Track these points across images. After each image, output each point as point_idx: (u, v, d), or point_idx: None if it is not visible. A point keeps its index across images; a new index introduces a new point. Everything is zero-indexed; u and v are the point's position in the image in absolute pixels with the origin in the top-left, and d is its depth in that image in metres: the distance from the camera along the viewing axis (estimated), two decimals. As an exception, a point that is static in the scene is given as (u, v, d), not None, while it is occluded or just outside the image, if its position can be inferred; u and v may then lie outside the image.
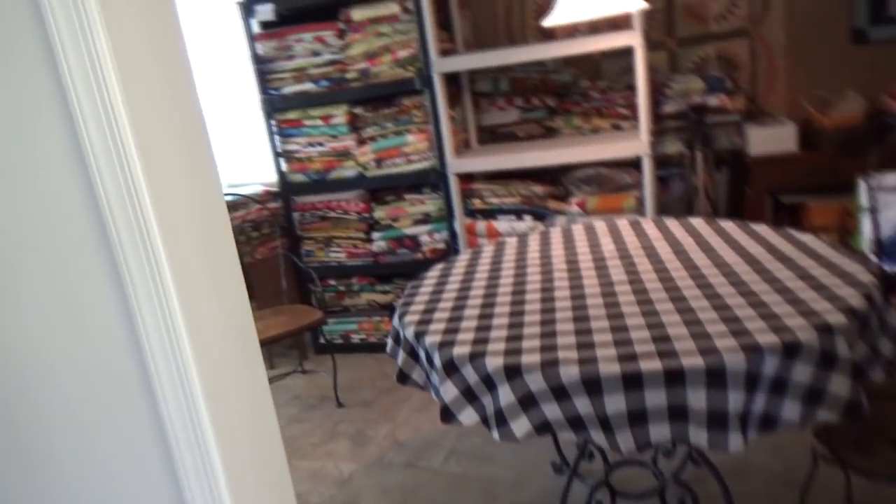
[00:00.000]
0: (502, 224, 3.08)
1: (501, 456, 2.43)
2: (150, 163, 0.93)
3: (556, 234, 2.20)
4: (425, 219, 3.25)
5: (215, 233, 1.04)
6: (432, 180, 3.15)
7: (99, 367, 1.05)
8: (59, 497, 1.17)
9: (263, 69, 3.25)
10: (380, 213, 3.31)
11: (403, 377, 1.68)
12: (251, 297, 3.42)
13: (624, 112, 3.09)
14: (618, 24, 2.96)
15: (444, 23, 3.18)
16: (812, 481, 1.65)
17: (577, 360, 1.31)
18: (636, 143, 2.78)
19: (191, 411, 0.98)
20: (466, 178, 3.20)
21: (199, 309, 1.00)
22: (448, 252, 3.22)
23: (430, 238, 3.25)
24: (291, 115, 3.27)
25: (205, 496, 1.01)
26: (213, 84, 3.88)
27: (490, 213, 3.12)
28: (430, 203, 3.22)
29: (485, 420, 1.40)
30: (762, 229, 1.93)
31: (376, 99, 3.16)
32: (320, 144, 3.28)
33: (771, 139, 2.82)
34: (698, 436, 1.25)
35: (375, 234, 3.33)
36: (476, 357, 1.39)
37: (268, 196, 3.56)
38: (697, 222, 2.09)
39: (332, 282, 3.50)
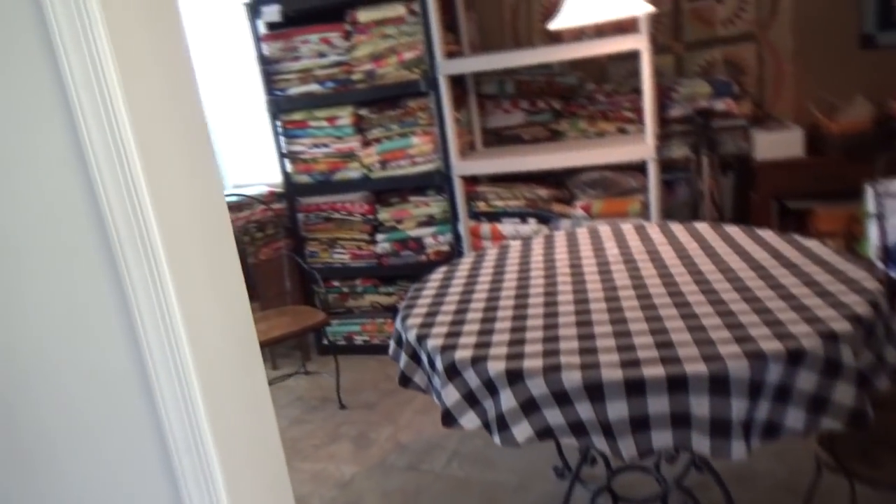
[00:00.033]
0: (506, 227, 3.07)
1: (504, 460, 2.43)
2: (150, 163, 0.93)
3: (560, 238, 2.19)
4: (429, 221, 3.24)
5: (216, 234, 1.04)
6: (437, 182, 3.14)
7: (98, 367, 1.05)
8: (58, 497, 1.17)
9: (269, 70, 3.25)
10: (384, 214, 3.30)
11: (405, 380, 1.67)
12: (255, 297, 3.43)
13: (630, 116, 3.08)
14: (624, 27, 2.96)
15: (450, 25, 3.18)
16: (816, 490, 1.64)
17: (579, 365, 1.30)
18: (642, 147, 2.77)
19: (189, 414, 0.98)
20: (471, 181, 3.19)
21: (199, 311, 1.00)
22: (452, 254, 3.21)
23: (435, 240, 3.24)
24: (297, 116, 3.27)
25: (202, 499, 1.01)
26: (220, 85, 3.89)
27: (494, 216, 3.11)
28: (434, 205, 3.22)
29: (486, 424, 1.39)
30: (767, 235, 1.92)
31: (382, 100, 3.16)
32: (325, 146, 3.28)
33: (777, 144, 2.81)
34: (701, 443, 1.24)
35: (379, 236, 3.33)
36: (478, 361, 1.38)
37: (272, 197, 3.56)
38: (702, 227, 2.08)
39: (336, 283, 3.50)
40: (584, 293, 1.67)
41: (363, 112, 3.19)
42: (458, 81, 3.20)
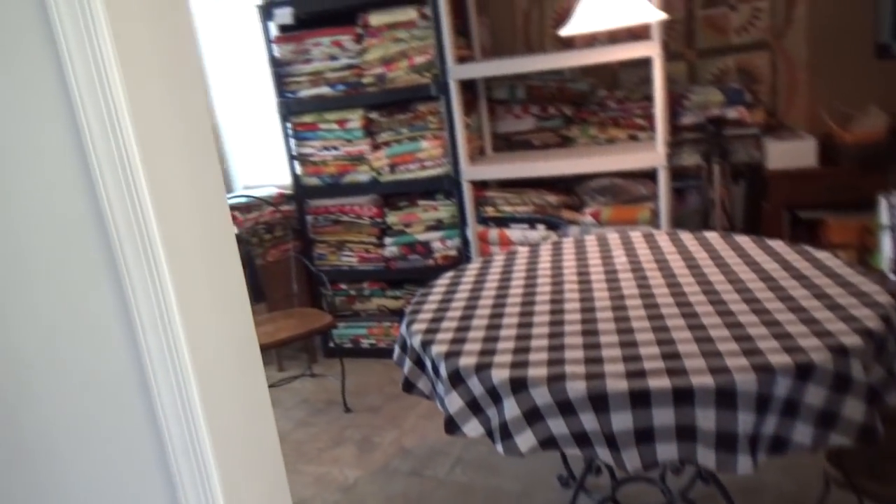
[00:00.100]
0: (515, 232, 3.06)
1: (508, 467, 2.41)
2: (152, 166, 0.93)
3: (568, 245, 2.18)
4: (438, 225, 3.24)
5: (217, 237, 1.03)
6: (446, 187, 3.14)
7: (97, 369, 1.05)
8: (56, 498, 1.17)
9: (280, 72, 3.26)
10: (392, 218, 3.30)
11: (409, 386, 1.66)
12: (262, 299, 3.44)
13: (641, 123, 3.06)
14: (637, 33, 2.94)
15: (461, 29, 3.17)
16: (824, 505, 1.62)
17: (584, 374, 1.29)
18: (652, 155, 2.76)
19: (187, 416, 0.97)
20: (480, 186, 3.18)
21: (198, 314, 1.00)
22: (460, 259, 3.21)
23: (442, 245, 3.24)
24: (307, 119, 3.28)
25: (199, 502, 1.00)
26: (231, 86, 3.91)
27: (503, 222, 3.10)
28: (442, 209, 3.21)
29: (489, 433, 1.38)
30: (778, 245, 1.90)
31: (392, 104, 3.16)
32: (335, 148, 3.28)
33: (790, 153, 2.78)
34: (706, 456, 1.22)
35: (387, 240, 3.32)
36: (482, 368, 1.37)
37: (281, 198, 3.57)
38: (712, 236, 2.06)
39: (343, 286, 3.50)
40: (591, 301, 1.66)
41: (373, 115, 3.19)
42: (468, 86, 3.20)
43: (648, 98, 2.96)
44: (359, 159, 3.26)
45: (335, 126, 3.24)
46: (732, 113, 2.93)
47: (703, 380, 1.21)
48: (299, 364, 3.56)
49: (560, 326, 1.53)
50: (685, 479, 2.14)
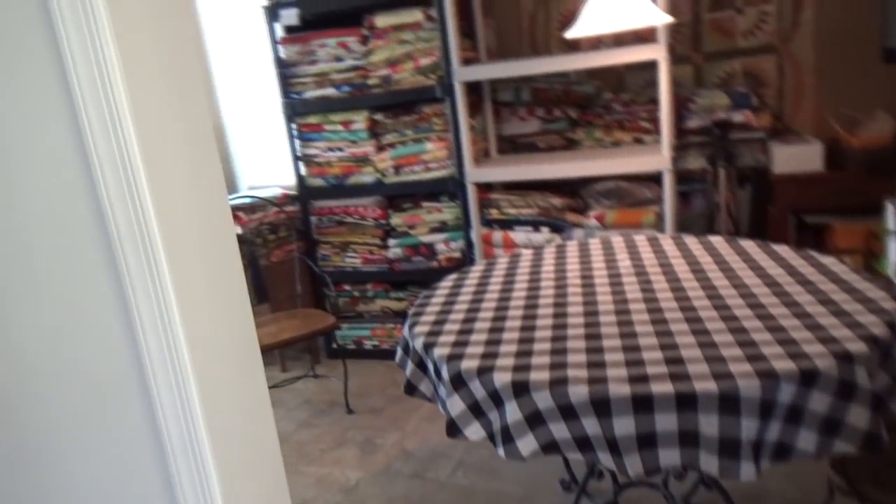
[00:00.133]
0: (519, 235, 3.05)
1: (509, 470, 2.40)
2: (153, 167, 0.93)
3: (572, 248, 2.17)
4: (442, 227, 3.23)
5: (218, 239, 1.03)
6: (450, 189, 3.13)
7: (97, 369, 1.05)
8: (54, 498, 1.17)
9: (286, 73, 3.26)
10: (396, 219, 3.30)
11: (411, 388, 1.66)
12: (266, 299, 3.43)
13: (646, 126, 3.05)
14: (643, 36, 2.93)
15: (467, 31, 3.17)
16: (827, 512, 1.61)
17: (586, 379, 1.28)
18: (658, 158, 2.75)
19: (187, 417, 0.97)
20: (484, 188, 3.18)
21: (199, 315, 0.99)
22: (464, 261, 3.20)
23: (446, 247, 3.23)
24: (312, 120, 3.28)
25: (198, 502, 1.00)
26: (237, 87, 3.91)
27: (507, 224, 3.10)
28: (447, 211, 3.21)
29: (491, 436, 1.38)
30: (783, 250, 1.89)
31: (397, 106, 3.15)
32: (340, 149, 3.28)
33: (796, 157, 2.77)
34: (709, 463, 1.21)
35: (391, 241, 3.32)
36: (484, 372, 1.37)
37: (286, 199, 3.57)
38: (717, 241, 2.05)
39: (347, 287, 3.50)
40: (595, 305, 1.65)
41: (378, 117, 3.19)
42: (473, 88, 3.20)
43: (654, 101, 2.94)
44: (363, 160, 3.26)
45: (340, 127, 3.24)
46: (738, 117, 2.92)
47: (706, 385, 1.20)
48: (302, 365, 3.56)
49: (563, 330, 1.53)
50: (688, 485, 2.13)
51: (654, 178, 2.90)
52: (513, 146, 3.34)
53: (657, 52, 2.64)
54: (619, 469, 1.24)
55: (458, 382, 1.40)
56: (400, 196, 3.31)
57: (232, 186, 4.02)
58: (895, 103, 2.79)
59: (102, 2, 0.83)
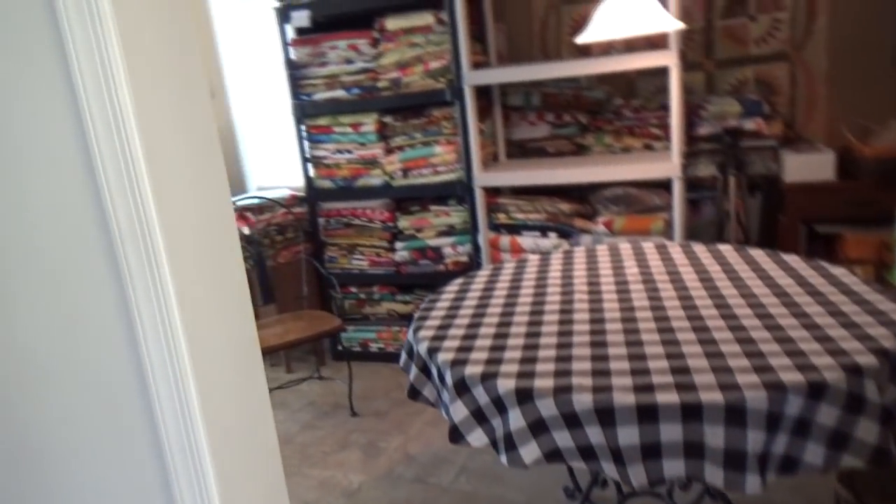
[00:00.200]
0: (526, 240, 3.04)
1: (513, 477, 2.39)
2: (155, 169, 0.93)
3: (579, 255, 2.16)
4: (449, 231, 3.23)
5: (220, 241, 1.03)
6: (458, 192, 3.13)
7: (97, 369, 1.05)
8: (53, 498, 1.17)
9: (296, 75, 3.27)
10: (404, 222, 3.29)
11: (415, 393, 1.65)
12: (272, 300, 3.43)
13: (657, 132, 3.04)
14: (654, 42, 2.92)
15: (477, 35, 3.17)
16: (834, 527, 1.58)
17: (591, 387, 1.27)
18: (667, 165, 2.73)
19: (186, 420, 0.97)
20: (493, 192, 3.17)
21: (199, 317, 0.99)
22: (470, 265, 3.19)
23: (453, 250, 3.22)
24: (321, 122, 3.28)
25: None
26: (249, 88, 3.92)
27: (514, 229, 3.08)
28: (454, 215, 3.20)
29: (494, 443, 1.37)
30: (793, 260, 1.87)
31: (406, 109, 3.15)
32: (348, 151, 3.28)
33: (808, 166, 2.75)
34: (714, 474, 1.20)
35: (398, 244, 3.32)
36: (488, 378, 1.36)
37: (294, 200, 3.58)
38: (726, 249, 2.03)
39: (354, 289, 3.50)
40: (601, 313, 1.64)
41: (387, 119, 3.18)
42: (483, 92, 3.19)
43: (665, 107, 2.93)
44: (372, 163, 3.26)
45: (349, 129, 3.24)
46: (750, 124, 2.90)
47: (712, 396, 1.19)
48: (307, 366, 3.55)
49: (568, 337, 1.52)
50: (693, 495, 2.11)
51: (664, 185, 2.89)
52: (522, 151, 3.33)
53: (668, 59, 2.63)
54: (622, 479, 1.23)
55: (462, 388, 1.39)
56: (408, 199, 3.30)
57: (241, 187, 4.03)
58: (909, 113, 2.76)
59: (108, 2, 0.83)
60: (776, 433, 1.19)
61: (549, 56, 3.32)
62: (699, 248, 2.07)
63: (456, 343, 1.54)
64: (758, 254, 1.96)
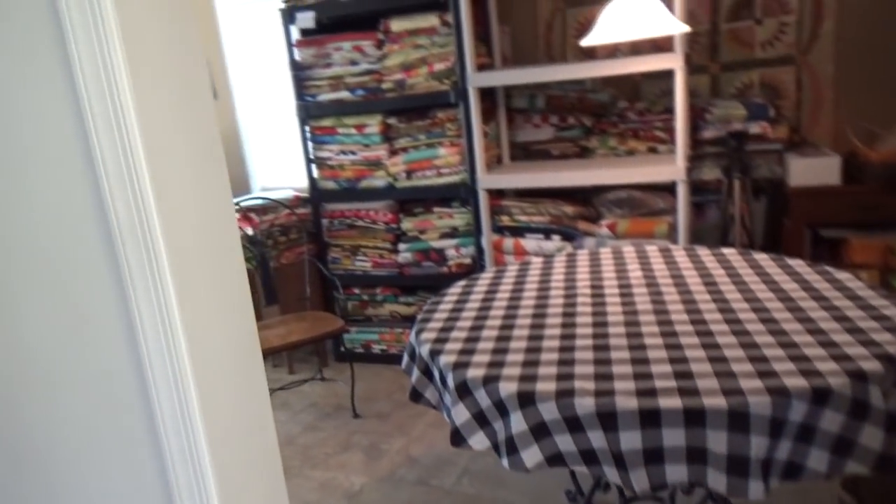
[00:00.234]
0: (530, 242, 3.03)
1: (515, 480, 2.38)
2: (157, 170, 0.92)
3: (582, 258, 2.15)
4: (452, 233, 3.22)
5: (221, 242, 1.03)
6: (462, 194, 3.12)
7: (97, 370, 1.05)
8: (52, 498, 1.17)
9: (301, 76, 3.27)
10: (407, 224, 3.29)
11: (416, 395, 1.65)
12: (275, 301, 3.43)
13: (661, 135, 3.03)
14: (659, 45, 2.91)
15: (482, 37, 3.16)
16: (838, 533, 1.57)
17: (593, 391, 1.27)
18: (672, 168, 2.72)
19: (186, 422, 0.97)
20: (496, 194, 3.16)
21: (200, 319, 0.99)
22: (474, 267, 3.19)
23: (457, 252, 3.22)
24: (326, 123, 3.28)
25: (196, 508, 1.00)
26: (254, 89, 3.93)
27: (518, 231, 3.08)
28: (458, 217, 3.20)
29: (495, 446, 1.36)
30: (798, 265, 1.86)
31: (410, 110, 3.15)
32: (352, 153, 3.28)
33: (813, 170, 2.73)
34: (717, 480, 1.19)
35: (402, 246, 3.31)
36: (490, 381, 1.35)
37: (298, 201, 3.58)
38: (730, 253, 2.02)
39: (357, 290, 3.49)
40: (604, 316, 1.63)
41: (391, 121, 3.18)
42: (487, 94, 3.19)
43: (669, 110, 2.92)
44: (376, 164, 3.25)
45: (353, 131, 3.24)
46: (755, 128, 2.89)
47: (715, 401, 1.18)
48: (310, 367, 3.55)
49: (571, 340, 1.51)
50: (696, 500, 2.10)
51: (668, 188, 2.88)
52: (526, 153, 3.33)
53: (674, 62, 2.62)
54: (624, 484, 1.22)
55: (464, 391, 1.39)
56: (411, 200, 3.30)
57: (245, 187, 4.04)
58: (915, 117, 2.75)
59: (110, 2, 0.83)
60: (780, 439, 1.18)
61: (554, 58, 3.31)
62: (703, 252, 2.06)
63: (458, 346, 1.54)
64: (762, 258, 1.95)
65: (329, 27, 3.18)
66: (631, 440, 1.21)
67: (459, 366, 1.43)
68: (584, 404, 1.23)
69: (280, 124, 3.88)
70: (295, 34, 3.27)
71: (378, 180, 3.27)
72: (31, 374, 1.10)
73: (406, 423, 2.88)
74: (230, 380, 1.04)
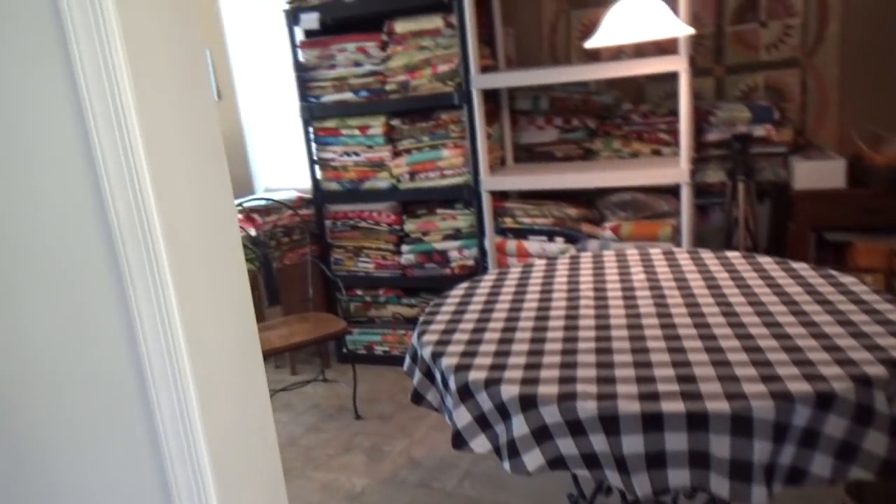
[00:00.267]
0: (533, 244, 3.03)
1: (517, 483, 2.37)
2: (157, 170, 0.92)
3: (585, 260, 2.14)
4: (455, 234, 3.22)
5: (222, 244, 1.02)
6: (465, 196, 3.12)
7: (97, 370, 1.04)
8: (51, 498, 1.16)
9: (305, 77, 3.27)
10: (410, 225, 3.29)
11: (418, 397, 1.64)
12: (278, 302, 3.43)
13: (665, 138, 3.02)
14: (664, 47, 2.90)
15: (486, 39, 3.16)
16: (842, 539, 1.56)
17: (595, 394, 1.26)
18: (676, 171, 2.71)
19: (185, 424, 0.96)
20: (500, 196, 3.16)
21: (200, 321, 0.99)
22: (477, 269, 3.18)
23: (460, 254, 3.21)
24: (329, 124, 3.28)
25: (195, 509, 0.99)
26: (258, 90, 3.93)
27: (521, 233, 3.07)
28: (461, 219, 3.19)
29: (497, 449, 1.36)
30: (802, 268, 1.85)
31: (414, 112, 3.15)
32: (356, 154, 3.28)
33: (818, 173, 2.72)
34: (720, 485, 1.18)
35: (405, 247, 3.31)
36: (491, 384, 1.35)
37: (301, 202, 3.58)
38: (734, 256, 2.01)
39: (359, 292, 3.49)
40: (607, 319, 1.63)
41: (395, 122, 3.18)
42: (491, 96, 3.18)
43: (674, 113, 2.91)
44: (379, 166, 3.25)
45: (357, 132, 3.24)
46: (759, 130, 2.88)
47: (718, 405, 1.17)
48: (312, 368, 3.55)
49: (573, 343, 1.50)
50: (698, 504, 2.09)
51: (672, 191, 2.87)
52: (529, 155, 3.32)
53: (678, 64, 2.61)
54: (626, 488, 1.21)
55: (466, 393, 1.38)
56: (414, 202, 3.30)
57: (248, 188, 4.04)
58: (921, 121, 2.74)
59: (111, 2, 0.83)
60: (783, 443, 1.17)
61: (558, 60, 3.31)
62: (707, 255, 2.06)
63: (460, 348, 1.54)
64: (766, 261, 1.94)
65: (333, 28, 3.18)
66: (633, 444, 1.20)
67: (461, 368, 1.42)
68: (586, 408, 1.22)
69: (284, 125, 3.88)
70: (299, 35, 3.27)
71: (381, 182, 3.27)
72: (32, 373, 1.10)
73: (408, 425, 2.87)
74: (230, 380, 1.04)
